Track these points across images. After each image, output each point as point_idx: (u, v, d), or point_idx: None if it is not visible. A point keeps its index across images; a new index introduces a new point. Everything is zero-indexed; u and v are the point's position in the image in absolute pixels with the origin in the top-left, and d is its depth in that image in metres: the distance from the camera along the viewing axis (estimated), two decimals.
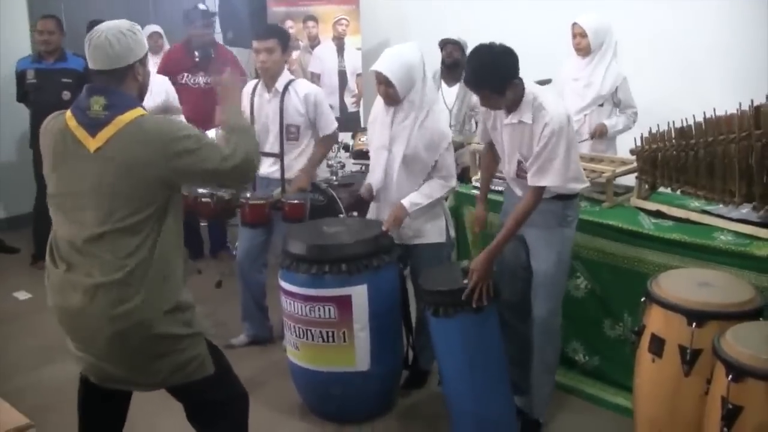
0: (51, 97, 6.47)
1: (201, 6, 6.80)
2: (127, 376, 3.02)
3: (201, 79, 6.56)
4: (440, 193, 4.20)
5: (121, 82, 2.95)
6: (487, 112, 3.93)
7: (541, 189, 3.65)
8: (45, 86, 6.54)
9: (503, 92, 3.59)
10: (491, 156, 4.16)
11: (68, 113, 2.95)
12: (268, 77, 4.78)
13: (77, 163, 2.89)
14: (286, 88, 4.78)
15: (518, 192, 3.88)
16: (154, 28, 7.34)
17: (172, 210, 2.97)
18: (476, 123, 5.85)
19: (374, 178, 4.28)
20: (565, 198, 3.80)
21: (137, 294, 2.82)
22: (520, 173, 3.78)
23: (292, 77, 4.89)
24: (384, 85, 4.05)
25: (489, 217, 4.61)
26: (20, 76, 6.62)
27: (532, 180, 3.64)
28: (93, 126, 2.87)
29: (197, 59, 6.55)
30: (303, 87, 4.86)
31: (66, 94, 6.53)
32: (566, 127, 3.60)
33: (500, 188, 4.46)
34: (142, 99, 3.08)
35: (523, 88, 3.66)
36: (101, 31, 2.94)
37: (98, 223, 2.85)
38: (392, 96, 4.07)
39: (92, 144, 2.86)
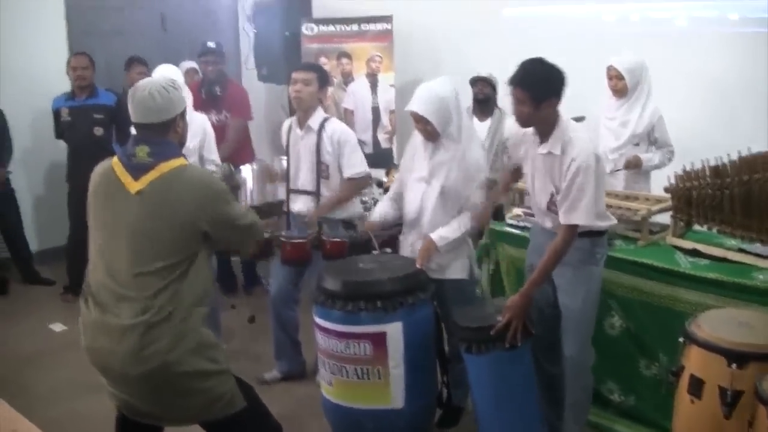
0: (84, 134, 6.63)
1: (210, 44, 6.85)
2: (159, 413, 3.10)
3: (213, 118, 6.46)
4: (468, 225, 4.20)
5: (163, 135, 3.10)
6: (516, 146, 3.94)
7: (574, 227, 3.64)
8: (78, 123, 6.65)
9: (539, 104, 3.60)
10: (510, 176, 4.27)
11: (115, 158, 3.09)
12: (301, 110, 4.80)
13: (118, 205, 3.02)
14: (322, 125, 4.79)
15: (547, 225, 3.88)
16: (190, 64, 7.41)
17: (201, 260, 3.07)
18: (508, 159, 5.85)
19: (410, 209, 4.27)
20: (593, 235, 3.79)
21: (162, 336, 2.90)
22: (551, 206, 3.78)
23: (327, 116, 4.91)
24: (421, 123, 4.08)
25: (517, 253, 4.62)
26: (56, 115, 6.72)
27: (564, 218, 3.65)
28: (137, 170, 3.01)
29: (203, 97, 6.58)
30: (332, 125, 4.85)
31: (98, 130, 6.65)
32: (594, 165, 3.60)
33: (528, 225, 4.48)
34: (182, 148, 3.23)
35: (558, 119, 3.68)
36: (144, 86, 3.11)
37: (130, 263, 2.95)
38: (431, 133, 4.09)
39: (134, 187, 2.99)
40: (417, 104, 4.06)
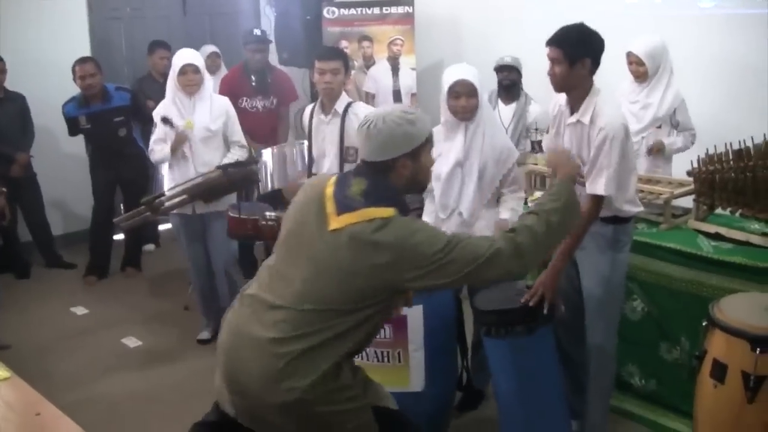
0: (108, 138, 6.68)
1: (256, 31, 6.88)
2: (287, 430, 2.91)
3: (259, 104, 6.64)
4: (520, 208, 4.20)
5: (388, 174, 2.89)
6: (554, 119, 3.90)
7: (599, 198, 3.60)
8: (99, 129, 6.63)
9: (574, 62, 3.54)
10: None
11: (333, 179, 2.96)
12: (329, 99, 4.76)
13: (311, 232, 2.87)
14: (345, 110, 4.76)
15: None
16: (212, 48, 7.45)
17: (380, 314, 2.89)
18: (531, 143, 5.84)
19: (446, 196, 4.20)
20: (618, 222, 3.76)
21: (305, 374, 2.74)
22: (578, 178, 3.75)
23: (350, 100, 4.88)
24: (466, 96, 4.02)
25: None
26: (71, 121, 6.65)
27: (589, 188, 3.61)
28: (343, 206, 2.83)
29: (254, 84, 6.64)
30: (362, 109, 4.83)
31: (122, 131, 6.70)
32: (622, 137, 3.54)
33: None
34: (415, 190, 3.05)
35: (591, 87, 3.64)
36: (372, 119, 2.90)
37: (299, 297, 2.81)
38: (473, 107, 4.05)
39: (333, 223, 2.82)
40: (469, 74, 4.03)
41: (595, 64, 3.60)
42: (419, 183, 3.01)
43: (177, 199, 5.01)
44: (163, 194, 5.09)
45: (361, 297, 2.79)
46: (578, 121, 3.66)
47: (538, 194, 4.90)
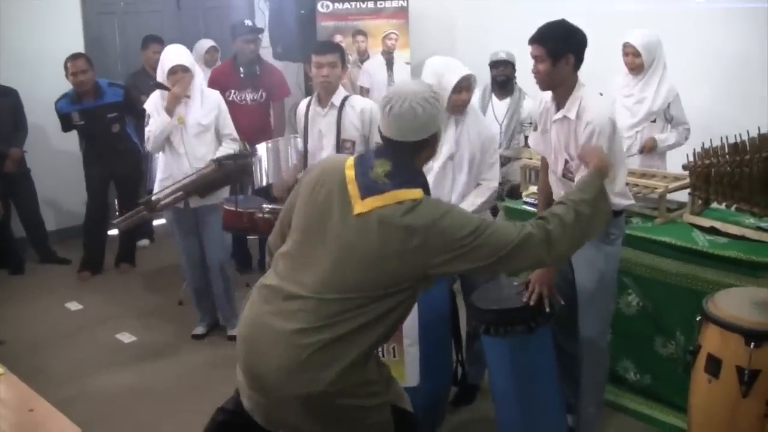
0: (101, 134, 6.65)
1: (247, 22, 6.85)
2: (303, 428, 2.87)
3: (248, 96, 6.59)
4: (485, 195, 4.25)
5: (413, 155, 2.85)
6: (540, 116, 3.89)
7: None
8: (92, 125, 6.61)
9: (557, 59, 3.52)
10: (548, 176, 4.10)
11: (351, 160, 2.88)
12: (327, 92, 4.77)
13: (334, 218, 2.79)
14: (342, 103, 4.76)
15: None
16: (210, 43, 7.45)
17: (406, 302, 2.83)
18: (525, 138, 5.84)
19: (444, 188, 4.23)
20: None
21: (327, 366, 2.68)
22: (566, 173, 3.73)
23: (347, 93, 4.89)
24: (466, 90, 4.12)
25: None
26: (64, 118, 6.62)
27: None
28: (367, 188, 2.76)
29: (242, 75, 6.59)
30: (359, 102, 4.85)
31: (115, 127, 6.68)
32: (608, 131, 3.52)
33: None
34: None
35: (576, 83, 3.62)
36: (404, 97, 2.81)
37: (323, 285, 2.74)
38: (469, 100, 4.17)
39: (358, 207, 2.75)
40: (466, 68, 4.11)
41: (579, 59, 3.59)
42: (426, 163, 3.02)
43: (173, 197, 5.00)
44: (159, 192, 5.07)
45: (390, 282, 2.72)
46: (564, 117, 3.65)
47: (532, 188, 4.89)
